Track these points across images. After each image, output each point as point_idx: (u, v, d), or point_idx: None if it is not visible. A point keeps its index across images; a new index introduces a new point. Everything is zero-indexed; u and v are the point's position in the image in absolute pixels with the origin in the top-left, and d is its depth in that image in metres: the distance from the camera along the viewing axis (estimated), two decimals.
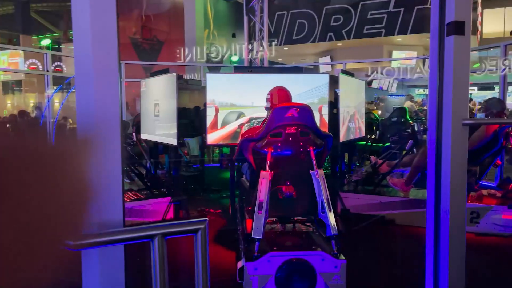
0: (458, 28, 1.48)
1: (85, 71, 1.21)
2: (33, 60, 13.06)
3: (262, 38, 7.67)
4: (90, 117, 1.20)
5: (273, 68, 6.93)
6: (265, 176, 2.52)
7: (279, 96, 2.90)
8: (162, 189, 4.82)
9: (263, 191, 2.50)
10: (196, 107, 5.87)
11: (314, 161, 2.58)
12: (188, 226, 1.11)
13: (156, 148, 5.28)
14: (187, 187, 5.72)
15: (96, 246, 1.03)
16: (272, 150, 2.57)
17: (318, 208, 2.56)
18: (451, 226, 1.82)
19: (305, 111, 2.59)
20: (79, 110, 1.21)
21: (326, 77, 4.32)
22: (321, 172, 2.58)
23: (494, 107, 4.23)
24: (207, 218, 1.16)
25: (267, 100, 2.96)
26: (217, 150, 8.15)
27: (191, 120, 5.63)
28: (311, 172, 2.56)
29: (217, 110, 4.23)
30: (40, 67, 11.62)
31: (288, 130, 2.57)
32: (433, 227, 1.93)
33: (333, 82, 4.51)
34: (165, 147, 5.08)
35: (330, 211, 2.56)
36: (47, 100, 5.97)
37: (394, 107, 10.53)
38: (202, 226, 1.12)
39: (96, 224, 1.19)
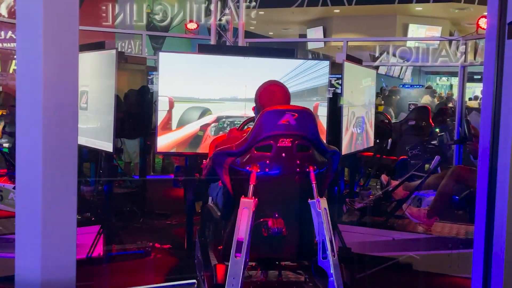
0: None
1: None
2: None
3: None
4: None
5: (253, 49, 6.99)
6: (247, 205, 2.54)
7: (273, 95, 2.92)
8: (87, 214, 4.77)
9: (243, 226, 2.53)
10: (139, 96, 5.86)
11: (314, 186, 2.64)
12: None
13: (80, 153, 5.22)
14: (122, 209, 5.66)
15: None
16: (258, 170, 2.61)
17: (318, 251, 2.62)
18: (506, 277, 1.91)
19: (306, 117, 2.65)
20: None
21: (326, 65, 4.42)
22: (324, 202, 2.64)
23: None
24: (195, 281, 1.21)
25: (256, 99, 2.99)
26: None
27: (131, 113, 5.62)
28: (310, 201, 2.62)
29: (171, 104, 4.23)
30: None
31: (281, 142, 2.61)
32: (481, 277, 2.00)
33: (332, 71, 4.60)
34: (92, 152, 5.03)
35: (334, 256, 2.63)
36: None
37: (410, 104, 10.76)
38: None
39: None
